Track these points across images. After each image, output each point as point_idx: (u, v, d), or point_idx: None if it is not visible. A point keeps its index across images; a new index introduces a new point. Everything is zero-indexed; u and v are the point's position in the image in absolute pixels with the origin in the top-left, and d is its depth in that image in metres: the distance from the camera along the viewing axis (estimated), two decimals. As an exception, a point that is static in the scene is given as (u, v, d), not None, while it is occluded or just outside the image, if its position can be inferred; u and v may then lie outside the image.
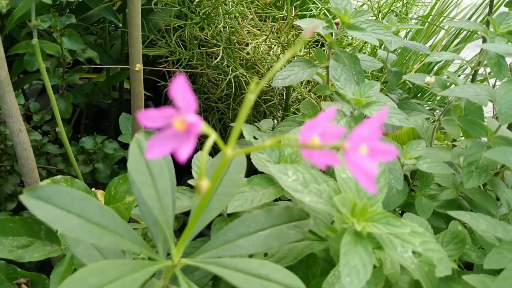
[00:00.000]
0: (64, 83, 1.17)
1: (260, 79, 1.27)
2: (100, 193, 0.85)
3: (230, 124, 1.17)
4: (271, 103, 1.30)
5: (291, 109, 1.30)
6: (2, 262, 0.81)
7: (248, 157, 0.69)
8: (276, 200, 0.69)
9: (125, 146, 1.25)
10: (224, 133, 1.40)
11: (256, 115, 1.31)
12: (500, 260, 0.61)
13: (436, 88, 0.94)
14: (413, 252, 0.61)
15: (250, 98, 0.39)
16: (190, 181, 0.71)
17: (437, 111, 1.03)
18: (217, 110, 1.36)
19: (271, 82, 1.26)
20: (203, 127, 0.34)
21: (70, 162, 1.12)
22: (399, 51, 1.47)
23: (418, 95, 1.48)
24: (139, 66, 0.92)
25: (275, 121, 1.36)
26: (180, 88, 0.31)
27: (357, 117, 0.79)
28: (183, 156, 0.31)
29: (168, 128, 0.33)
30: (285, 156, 0.68)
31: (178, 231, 1.02)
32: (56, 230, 0.77)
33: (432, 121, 1.05)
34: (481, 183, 0.78)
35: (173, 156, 0.36)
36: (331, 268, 0.67)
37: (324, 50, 1.10)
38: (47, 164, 1.18)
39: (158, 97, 1.62)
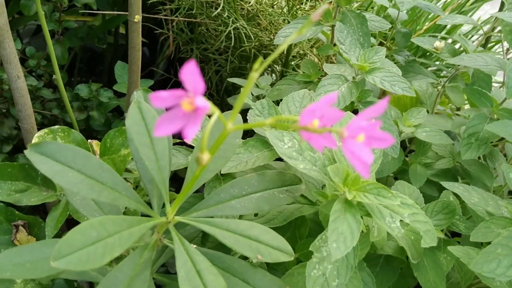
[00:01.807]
0: (61, 28, 1.21)
1: (261, 32, 1.30)
2: (95, 143, 0.91)
3: (227, 79, 1.21)
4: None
5: (291, 65, 1.34)
6: (1, 204, 0.88)
7: (245, 117, 0.75)
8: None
9: (119, 95, 1.30)
10: (221, 85, 1.44)
11: (255, 69, 1.35)
12: (487, 234, 0.67)
13: (444, 54, 0.98)
14: (401, 221, 0.68)
15: (254, 76, 0.43)
16: (189, 141, 0.76)
17: (444, 72, 1.07)
18: (215, 62, 1.40)
19: (272, 36, 1.30)
20: (210, 108, 0.39)
21: (65, 108, 1.17)
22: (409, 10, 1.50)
23: (427, 54, 1.51)
24: (138, 18, 0.95)
25: (273, 75, 1.40)
26: (190, 73, 0.36)
27: (359, 83, 0.83)
28: (189, 137, 0.36)
29: (176, 108, 0.38)
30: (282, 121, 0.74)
31: (171, 180, 1.09)
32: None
33: (437, 86, 1.09)
34: (479, 155, 0.83)
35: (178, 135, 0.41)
36: (319, 230, 0.74)
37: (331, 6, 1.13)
38: (42, 109, 1.23)
39: (153, 44, 1.66)
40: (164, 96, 0.37)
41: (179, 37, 1.44)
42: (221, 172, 0.71)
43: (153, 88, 1.46)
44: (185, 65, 0.35)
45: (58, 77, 1.02)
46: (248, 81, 0.43)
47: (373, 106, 0.39)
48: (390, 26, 1.05)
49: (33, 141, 0.83)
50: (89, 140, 0.88)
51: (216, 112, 0.42)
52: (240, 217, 0.74)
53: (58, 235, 0.89)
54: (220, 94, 1.47)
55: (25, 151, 0.56)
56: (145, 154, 0.61)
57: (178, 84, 1.56)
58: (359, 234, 0.59)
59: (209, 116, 0.42)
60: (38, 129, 1.03)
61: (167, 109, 0.38)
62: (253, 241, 0.60)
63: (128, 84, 1.06)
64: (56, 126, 0.85)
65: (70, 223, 1.07)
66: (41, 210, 1.16)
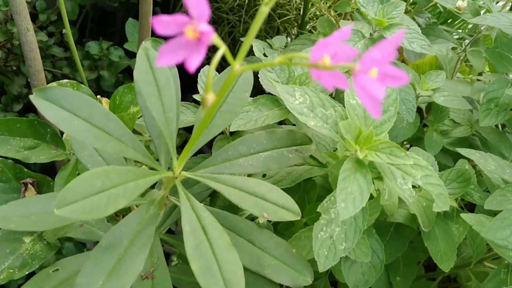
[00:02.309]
0: (71, -18, 1.20)
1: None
2: (105, 101, 0.91)
3: (240, 38, 1.20)
4: (286, 18, 1.31)
5: (307, 27, 1.32)
6: (10, 161, 0.88)
7: (256, 77, 0.74)
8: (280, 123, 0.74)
9: (130, 55, 1.30)
10: (233, 48, 1.43)
11: (269, 31, 1.34)
12: (502, 202, 0.66)
13: (467, 14, 0.95)
14: (413, 187, 0.67)
15: (264, 10, 0.41)
16: (195, 96, 0.76)
17: (466, 40, 1.05)
18: (228, 22, 1.38)
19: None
20: (214, 37, 0.38)
21: (75, 67, 1.17)
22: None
23: (449, 21, 1.48)
24: (149, -31, 0.94)
25: (289, 38, 1.38)
26: None
27: (376, 39, 0.82)
28: (192, 66, 0.35)
29: (179, 36, 0.37)
30: (294, 77, 0.73)
31: (180, 148, 1.10)
32: (61, 134, 0.84)
33: (458, 51, 1.07)
34: (498, 122, 0.82)
35: (181, 66, 0.40)
36: (328, 195, 0.74)
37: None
38: (52, 67, 1.24)
39: (166, 3, 1.65)
40: (166, 21, 0.36)
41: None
42: (230, 130, 0.71)
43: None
44: None
45: (68, 32, 1.01)
46: (257, 17, 0.42)
47: (388, 39, 0.38)
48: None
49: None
50: (98, 96, 0.89)
51: (222, 47, 0.41)
52: (249, 176, 0.74)
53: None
54: (234, 57, 1.46)
55: (31, 96, 0.56)
56: (152, 104, 0.61)
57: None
58: (368, 195, 0.59)
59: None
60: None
61: (168, 39, 0.37)
62: (259, 198, 0.60)
63: (138, 41, 1.06)
64: (65, 80, 0.85)
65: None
66: (50, 169, 1.17)
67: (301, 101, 0.65)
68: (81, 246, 1.03)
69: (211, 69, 0.40)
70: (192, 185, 0.74)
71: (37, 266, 0.77)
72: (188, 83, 0.80)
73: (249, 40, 0.43)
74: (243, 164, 0.65)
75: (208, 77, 0.40)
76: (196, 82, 0.80)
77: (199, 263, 0.55)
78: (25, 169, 0.88)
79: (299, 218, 0.60)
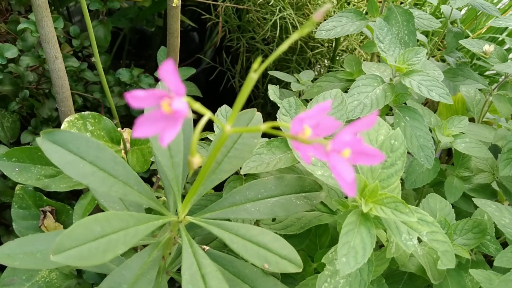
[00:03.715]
0: (105, 8, 1.22)
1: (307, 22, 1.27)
2: (128, 131, 0.92)
3: (268, 71, 1.20)
4: (318, 50, 1.31)
5: (339, 60, 1.31)
6: (30, 188, 0.90)
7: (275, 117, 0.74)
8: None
9: (162, 81, 1.31)
10: (262, 78, 1.43)
11: (301, 62, 1.33)
12: None
13: (493, 59, 0.93)
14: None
15: (252, 77, 0.42)
16: (209, 136, 0.76)
17: (503, 77, 1.01)
18: (262, 51, 1.38)
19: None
20: (189, 113, 0.37)
21: (105, 92, 1.19)
22: (470, 6, 1.43)
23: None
24: (176, 2, 0.94)
25: (322, 70, 1.37)
26: (168, 73, 0.35)
27: (395, 85, 0.80)
28: (165, 141, 0.35)
29: (158, 109, 0.37)
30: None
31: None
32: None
33: (487, 92, 1.04)
34: (519, 172, 0.79)
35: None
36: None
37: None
38: (84, 92, 1.26)
39: (203, 30, 1.66)
40: (141, 96, 0.36)
41: (227, 24, 1.44)
42: (241, 172, 0.70)
43: (198, 76, 1.47)
44: (163, 64, 0.34)
45: (97, 59, 1.03)
46: (246, 83, 0.42)
47: (363, 118, 0.37)
48: (439, 25, 1.00)
49: (62, 126, 0.84)
50: (119, 129, 0.89)
51: (207, 114, 0.41)
52: (257, 221, 0.73)
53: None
54: (265, 85, 1.46)
55: (37, 139, 0.56)
56: (158, 150, 0.61)
57: (223, 74, 1.55)
58: (371, 250, 0.57)
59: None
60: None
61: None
62: (262, 248, 0.59)
63: (166, 72, 1.06)
64: (87, 112, 0.86)
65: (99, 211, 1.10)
66: (71, 197, 1.18)
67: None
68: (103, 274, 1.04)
69: (196, 135, 0.39)
70: (198, 228, 0.73)
71: (52, 294, 0.78)
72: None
73: (240, 102, 0.42)
74: (250, 209, 0.64)
75: (192, 142, 0.40)
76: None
77: (196, 313, 0.55)
78: (45, 197, 0.90)
79: (300, 270, 0.59)
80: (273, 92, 0.74)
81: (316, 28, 1.25)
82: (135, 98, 0.35)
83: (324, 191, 0.67)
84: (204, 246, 0.65)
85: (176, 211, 0.63)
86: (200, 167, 0.52)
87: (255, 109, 0.66)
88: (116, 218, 0.55)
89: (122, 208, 0.71)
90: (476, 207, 0.85)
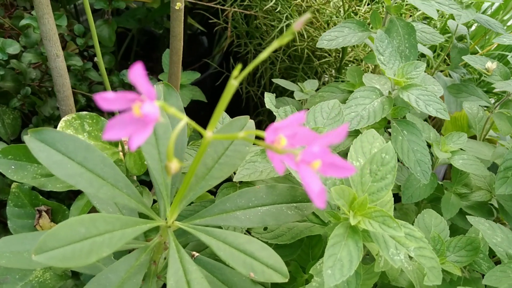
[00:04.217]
0: (110, 8, 1.22)
1: (315, 31, 1.27)
2: (126, 133, 0.92)
3: (274, 78, 1.20)
4: (325, 60, 1.31)
5: (346, 70, 1.30)
6: (26, 187, 0.90)
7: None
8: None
9: (166, 85, 1.31)
10: (270, 85, 1.43)
11: (307, 71, 1.33)
12: (501, 279, 0.63)
13: (495, 77, 0.92)
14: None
15: (233, 84, 0.42)
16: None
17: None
18: (269, 58, 1.38)
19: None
20: (163, 117, 0.37)
21: (108, 93, 1.19)
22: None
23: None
24: (179, 5, 0.94)
25: (328, 80, 1.37)
26: (138, 75, 0.34)
27: (394, 99, 0.80)
28: (134, 145, 0.35)
29: (129, 112, 0.36)
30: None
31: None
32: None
33: (490, 110, 1.03)
34: (514, 191, 0.78)
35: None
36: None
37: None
38: (88, 91, 1.26)
39: (211, 34, 1.66)
40: (111, 98, 0.35)
41: (235, 30, 1.44)
42: (234, 180, 0.70)
43: (205, 81, 1.47)
44: (132, 67, 0.34)
45: (99, 59, 1.02)
46: (226, 90, 0.42)
47: (334, 130, 0.37)
48: (443, 39, 1.00)
49: (59, 125, 0.84)
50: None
51: (184, 118, 0.41)
52: (249, 229, 0.72)
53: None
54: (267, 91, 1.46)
55: (25, 137, 0.56)
56: (148, 153, 0.61)
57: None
58: (358, 263, 0.56)
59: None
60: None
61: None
62: (248, 256, 0.59)
63: (169, 75, 1.06)
64: (84, 112, 0.86)
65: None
66: (72, 198, 1.18)
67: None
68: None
69: (172, 139, 0.39)
70: (190, 234, 0.73)
71: (45, 295, 0.78)
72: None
73: (220, 110, 0.42)
74: (240, 217, 0.64)
75: (168, 147, 0.40)
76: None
77: (179, 320, 0.54)
78: (40, 197, 0.90)
79: (286, 280, 0.58)
80: (269, 100, 0.74)
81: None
82: (105, 100, 0.35)
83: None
84: (194, 253, 0.64)
85: (166, 216, 0.63)
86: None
87: (248, 116, 0.66)
88: (102, 221, 0.54)
89: (115, 210, 0.71)
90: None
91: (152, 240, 0.64)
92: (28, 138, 0.56)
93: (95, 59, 1.04)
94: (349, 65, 1.33)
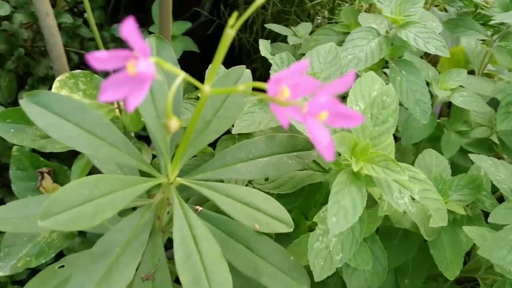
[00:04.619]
0: (98, -39, 1.18)
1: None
2: (121, 90, 0.90)
3: (266, 24, 1.16)
4: (318, 1, 1.27)
5: (339, 10, 1.27)
6: (27, 149, 0.89)
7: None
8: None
9: (158, 37, 1.28)
10: (262, 31, 1.39)
11: (300, 14, 1.29)
12: (506, 216, 0.62)
13: (495, 8, 0.89)
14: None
15: (229, 33, 0.40)
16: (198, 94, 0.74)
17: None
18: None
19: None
20: (158, 74, 0.35)
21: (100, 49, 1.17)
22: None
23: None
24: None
25: (322, 22, 1.33)
26: (130, 31, 0.32)
27: (392, 38, 0.77)
28: (131, 106, 0.33)
29: (122, 70, 0.34)
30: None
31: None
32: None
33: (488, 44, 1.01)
34: (517, 126, 0.77)
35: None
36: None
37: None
38: (80, 49, 1.23)
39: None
40: (104, 58, 0.33)
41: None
42: (233, 132, 0.69)
43: (196, 30, 1.43)
44: (124, 22, 0.32)
45: (89, 15, 0.99)
46: (223, 41, 0.40)
47: (339, 79, 0.35)
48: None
49: (53, 85, 0.82)
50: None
51: (181, 74, 0.39)
52: (250, 181, 0.71)
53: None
54: (263, 37, 1.42)
55: (20, 101, 0.55)
56: (145, 110, 0.59)
57: (221, 28, 1.51)
58: (362, 209, 0.56)
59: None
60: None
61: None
62: (252, 208, 0.59)
63: (160, 27, 1.04)
64: (78, 71, 0.84)
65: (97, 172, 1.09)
66: (73, 157, 1.17)
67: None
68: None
69: (170, 97, 0.37)
70: (192, 189, 0.72)
71: (53, 255, 0.78)
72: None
73: (216, 65, 0.41)
74: (241, 170, 0.63)
75: (167, 104, 0.38)
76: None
77: (188, 275, 0.54)
78: (41, 158, 0.89)
79: (291, 229, 0.58)
80: (264, 47, 0.72)
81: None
82: (98, 59, 0.33)
83: (316, 148, 0.65)
84: (198, 207, 0.64)
85: (167, 173, 0.62)
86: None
87: (244, 66, 0.64)
88: (104, 182, 0.54)
89: (116, 169, 0.70)
90: (473, 161, 0.83)
91: (155, 197, 0.63)
92: (24, 102, 0.55)
93: (85, 15, 1.01)
94: (342, 5, 1.29)
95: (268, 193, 0.69)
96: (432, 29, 0.74)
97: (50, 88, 1.15)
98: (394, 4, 0.77)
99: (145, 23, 1.64)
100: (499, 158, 0.84)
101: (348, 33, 0.93)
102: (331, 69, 0.71)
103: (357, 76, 0.78)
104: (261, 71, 1.49)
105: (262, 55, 0.72)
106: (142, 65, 0.33)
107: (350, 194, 0.57)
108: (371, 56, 0.74)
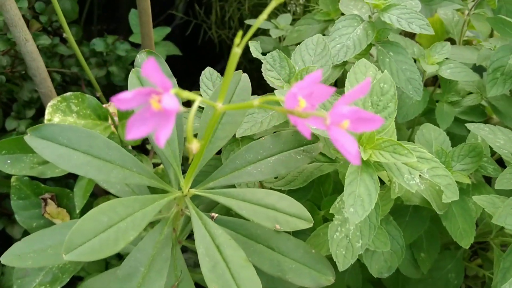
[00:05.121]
0: (68, -22, 1.15)
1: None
2: (113, 105, 0.89)
3: (245, 20, 1.15)
4: (292, -11, 1.26)
5: (315, -2, 1.26)
6: (26, 178, 0.87)
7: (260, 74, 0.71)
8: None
9: (138, 46, 1.26)
10: (242, 26, 1.38)
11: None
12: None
13: (466, -22, 0.89)
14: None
15: (236, 52, 0.40)
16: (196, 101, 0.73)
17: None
18: (235, -1, 1.33)
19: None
20: (181, 107, 0.34)
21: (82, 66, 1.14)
22: None
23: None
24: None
25: (298, 9, 1.32)
26: (151, 69, 0.32)
27: (375, 23, 0.77)
28: (162, 141, 0.33)
29: (146, 106, 0.34)
30: (295, 74, 0.69)
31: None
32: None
33: (465, 12, 1.01)
34: (505, 90, 0.77)
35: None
36: (342, 187, 0.71)
37: None
38: (61, 67, 1.21)
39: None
40: (129, 98, 0.33)
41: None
42: (236, 136, 0.68)
43: (173, 34, 1.41)
44: (145, 63, 0.32)
45: (68, 34, 0.98)
46: (230, 60, 0.41)
47: (357, 86, 0.35)
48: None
49: (46, 111, 0.81)
50: (104, 105, 0.86)
51: (198, 99, 0.38)
52: (260, 181, 0.71)
53: (90, 202, 0.89)
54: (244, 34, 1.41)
55: (25, 137, 0.54)
56: (152, 130, 0.58)
57: (199, 27, 1.50)
58: (377, 196, 0.56)
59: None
60: (58, 90, 1.01)
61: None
62: (270, 209, 0.58)
63: (141, 36, 1.02)
64: (69, 93, 0.83)
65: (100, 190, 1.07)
66: (68, 176, 1.15)
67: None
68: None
69: (190, 119, 0.37)
70: (208, 200, 0.72)
71: (68, 280, 0.77)
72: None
73: (227, 83, 0.40)
74: (252, 171, 0.62)
75: (188, 126, 0.37)
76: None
77: (218, 284, 0.54)
78: (42, 185, 0.88)
79: (311, 225, 0.58)
80: (255, 48, 0.71)
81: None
82: (123, 101, 0.33)
83: (321, 141, 0.65)
84: (213, 214, 0.63)
85: (179, 184, 0.62)
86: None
87: (241, 71, 0.63)
88: (121, 205, 0.53)
89: (124, 187, 0.69)
90: (468, 129, 0.84)
91: (171, 211, 0.63)
92: (29, 138, 0.54)
93: (64, 35, 0.99)
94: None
95: (279, 190, 0.68)
96: (413, 9, 0.74)
97: (36, 111, 1.14)
98: (374, -12, 0.76)
99: (120, 31, 1.62)
100: (491, 122, 0.85)
101: (329, 20, 0.93)
102: (322, 61, 0.71)
103: (346, 63, 0.78)
104: (245, 64, 1.48)
105: (254, 56, 0.71)
106: (167, 101, 0.33)
107: (363, 182, 0.57)
108: (358, 43, 0.73)
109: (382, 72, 0.64)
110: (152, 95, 0.34)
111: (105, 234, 0.51)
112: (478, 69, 0.90)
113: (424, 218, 0.76)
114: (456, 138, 0.78)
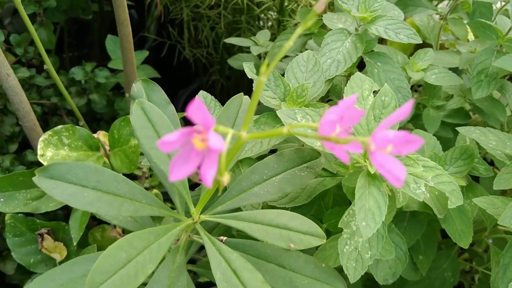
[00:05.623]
0: (41, 9, 1.13)
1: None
2: (102, 134, 0.88)
3: (223, 35, 1.15)
4: (265, 6, 1.26)
5: (287, 10, 1.27)
6: (20, 215, 0.85)
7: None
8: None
9: (116, 71, 1.25)
10: (218, 43, 1.38)
11: (249, 20, 1.29)
12: (509, 181, 0.64)
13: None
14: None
15: (262, 80, 0.40)
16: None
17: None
18: (208, 18, 1.33)
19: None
20: (224, 145, 0.34)
21: (63, 95, 1.12)
22: None
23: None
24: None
25: (270, 23, 1.33)
26: (198, 111, 0.32)
27: (363, 35, 0.78)
28: (208, 181, 0.33)
29: (188, 145, 0.34)
30: (290, 92, 0.69)
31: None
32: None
33: (440, 18, 1.03)
34: (490, 91, 0.79)
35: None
36: (342, 200, 0.71)
37: None
38: (39, 98, 1.18)
39: (141, 5, 1.58)
40: (173, 140, 0.33)
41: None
42: (238, 159, 0.68)
43: (148, 57, 1.40)
44: (191, 104, 0.31)
45: (49, 65, 0.96)
46: (256, 88, 0.40)
47: (398, 111, 0.36)
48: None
49: (38, 146, 0.79)
50: (95, 135, 0.85)
51: (230, 132, 0.38)
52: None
53: (85, 233, 0.87)
54: (219, 52, 1.41)
55: (34, 179, 0.53)
56: (158, 158, 0.58)
57: (173, 48, 1.49)
58: (386, 207, 0.57)
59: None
60: (40, 122, 0.99)
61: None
62: (283, 229, 0.58)
63: (123, 62, 1.01)
64: (60, 126, 0.81)
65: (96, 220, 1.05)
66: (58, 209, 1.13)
67: (304, 123, 0.62)
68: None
69: (223, 158, 0.36)
70: (214, 223, 0.71)
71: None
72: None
73: (251, 112, 0.40)
74: (258, 192, 0.62)
75: (221, 160, 0.37)
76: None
77: (238, 309, 0.53)
78: (37, 220, 0.86)
79: (324, 241, 0.58)
80: (249, 69, 0.71)
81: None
82: (169, 144, 0.33)
83: (323, 157, 0.65)
84: (222, 237, 0.63)
85: (188, 211, 0.61)
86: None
87: (242, 93, 0.63)
88: (137, 239, 0.52)
89: (126, 218, 0.68)
90: (454, 132, 0.86)
91: (181, 238, 0.62)
92: (38, 179, 0.53)
93: (45, 66, 0.97)
94: (289, 5, 1.29)
95: (284, 208, 0.69)
96: (398, 19, 0.75)
97: (19, 145, 1.11)
98: (358, 2, 0.77)
99: (92, 57, 1.60)
100: (471, 122, 0.87)
101: (309, 34, 0.94)
102: (315, 76, 0.71)
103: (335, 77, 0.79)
104: (222, 81, 1.47)
105: (249, 77, 0.70)
106: (214, 140, 0.32)
107: (372, 195, 0.57)
108: (348, 56, 0.74)
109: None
110: (193, 134, 0.33)
111: (125, 269, 0.50)
112: (458, 72, 0.91)
113: (421, 222, 0.77)
114: (441, 141, 0.79)
